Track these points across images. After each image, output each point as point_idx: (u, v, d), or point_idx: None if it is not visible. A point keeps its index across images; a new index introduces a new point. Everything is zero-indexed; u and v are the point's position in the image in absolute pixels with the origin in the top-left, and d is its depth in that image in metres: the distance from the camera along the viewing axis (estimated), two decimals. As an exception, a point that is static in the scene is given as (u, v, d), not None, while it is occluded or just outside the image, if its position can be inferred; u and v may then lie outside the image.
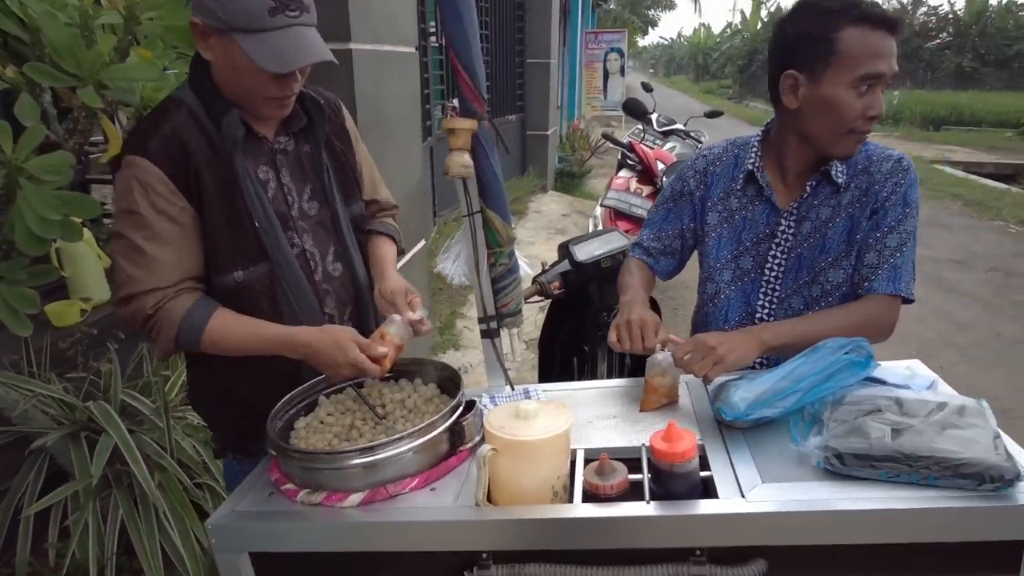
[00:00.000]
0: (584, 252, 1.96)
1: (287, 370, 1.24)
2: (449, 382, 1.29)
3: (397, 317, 1.21)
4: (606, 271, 1.97)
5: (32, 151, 1.21)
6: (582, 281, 1.98)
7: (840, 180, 1.29)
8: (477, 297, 1.37)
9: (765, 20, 35.59)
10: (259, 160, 1.21)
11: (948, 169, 10.46)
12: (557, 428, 0.99)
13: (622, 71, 14.07)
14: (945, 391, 1.15)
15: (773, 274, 1.36)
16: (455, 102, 1.22)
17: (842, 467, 0.95)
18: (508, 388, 1.36)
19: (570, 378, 2.28)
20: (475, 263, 1.33)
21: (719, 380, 1.18)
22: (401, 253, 1.53)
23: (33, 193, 1.17)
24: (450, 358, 3.60)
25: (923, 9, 32.19)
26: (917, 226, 1.31)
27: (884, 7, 1.21)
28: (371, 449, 1.04)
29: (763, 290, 1.38)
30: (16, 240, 1.18)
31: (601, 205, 3.81)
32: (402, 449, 1.04)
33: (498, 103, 7.17)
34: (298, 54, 1.09)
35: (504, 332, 1.43)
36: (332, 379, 1.25)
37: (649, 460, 0.99)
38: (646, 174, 3.90)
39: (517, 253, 1.39)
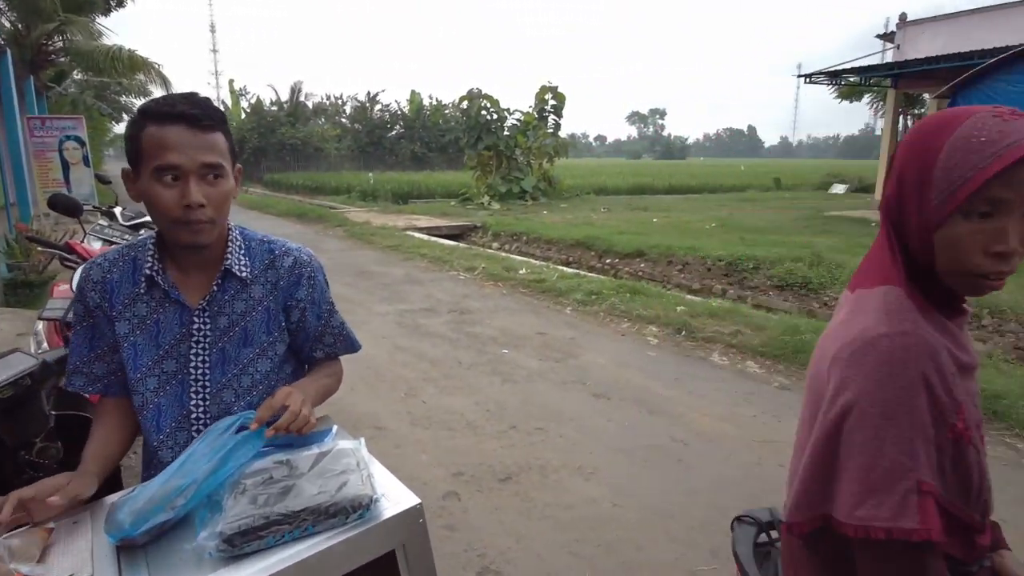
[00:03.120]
0: (-31, 384, 1.57)
1: None
2: None
3: None
4: (10, 401, 1.62)
5: None
6: (-24, 422, 1.58)
7: (244, 274, 1.34)
8: None
9: (247, 111, 36.83)
10: None
11: (416, 234, 12.57)
12: None
13: (86, 161, 12.46)
14: (340, 439, 1.29)
15: (199, 371, 1.32)
16: None
17: (233, 550, 0.95)
18: None
19: None
20: None
21: (110, 500, 1.06)
22: None
23: None
24: None
25: (379, 106, 38.43)
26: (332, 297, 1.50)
27: (214, 105, 1.26)
28: None
29: (193, 389, 1.32)
30: None
31: (40, 319, 3.20)
32: None
33: None
34: None
35: None
36: None
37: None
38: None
39: None
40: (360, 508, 1.01)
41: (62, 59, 16.68)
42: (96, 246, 3.71)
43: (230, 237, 1.36)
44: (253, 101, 37.69)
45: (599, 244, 10.92)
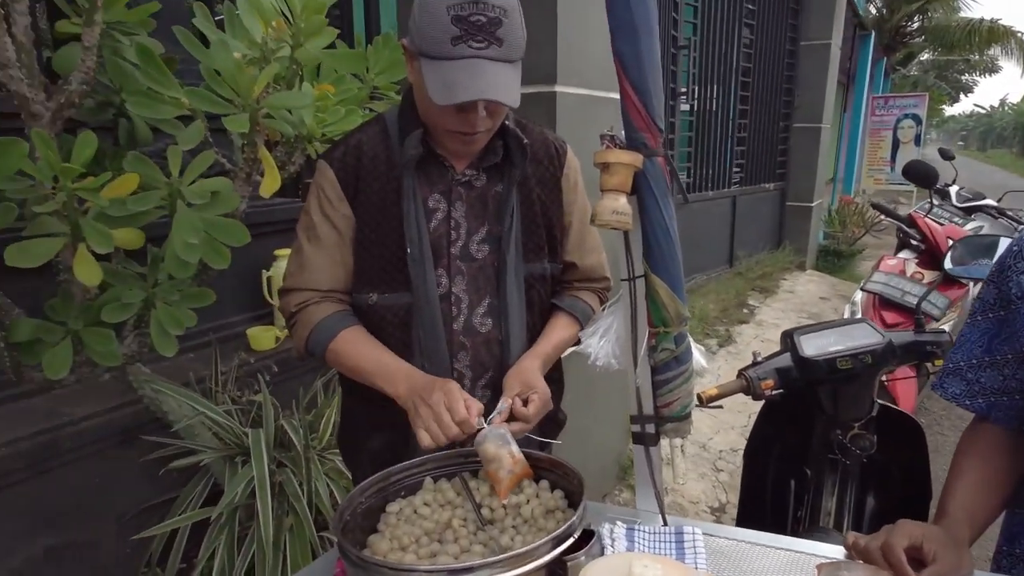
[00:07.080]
0: (813, 345, 1.47)
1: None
2: (577, 495, 0.98)
3: (495, 430, 1.00)
4: (844, 374, 1.45)
5: (200, 176, 1.22)
6: (807, 383, 1.49)
7: None
8: (632, 389, 1.03)
9: None
10: (434, 187, 1.15)
11: None
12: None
13: (917, 140, 12.22)
14: None
15: None
16: (617, 131, 0.93)
17: None
18: (659, 519, 0.99)
19: (783, 504, 1.75)
20: (633, 344, 1.00)
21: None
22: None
23: (184, 217, 1.16)
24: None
25: None
26: None
27: None
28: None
29: None
30: (165, 261, 1.18)
31: (862, 289, 3.09)
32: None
33: (754, 169, 6.59)
34: (466, 89, 0.98)
35: (665, 442, 1.06)
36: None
37: None
38: (931, 256, 3.10)
39: (691, 340, 1.02)
40: None
41: (916, 40, 16.67)
42: (935, 225, 3.34)
43: None
44: None
45: None
